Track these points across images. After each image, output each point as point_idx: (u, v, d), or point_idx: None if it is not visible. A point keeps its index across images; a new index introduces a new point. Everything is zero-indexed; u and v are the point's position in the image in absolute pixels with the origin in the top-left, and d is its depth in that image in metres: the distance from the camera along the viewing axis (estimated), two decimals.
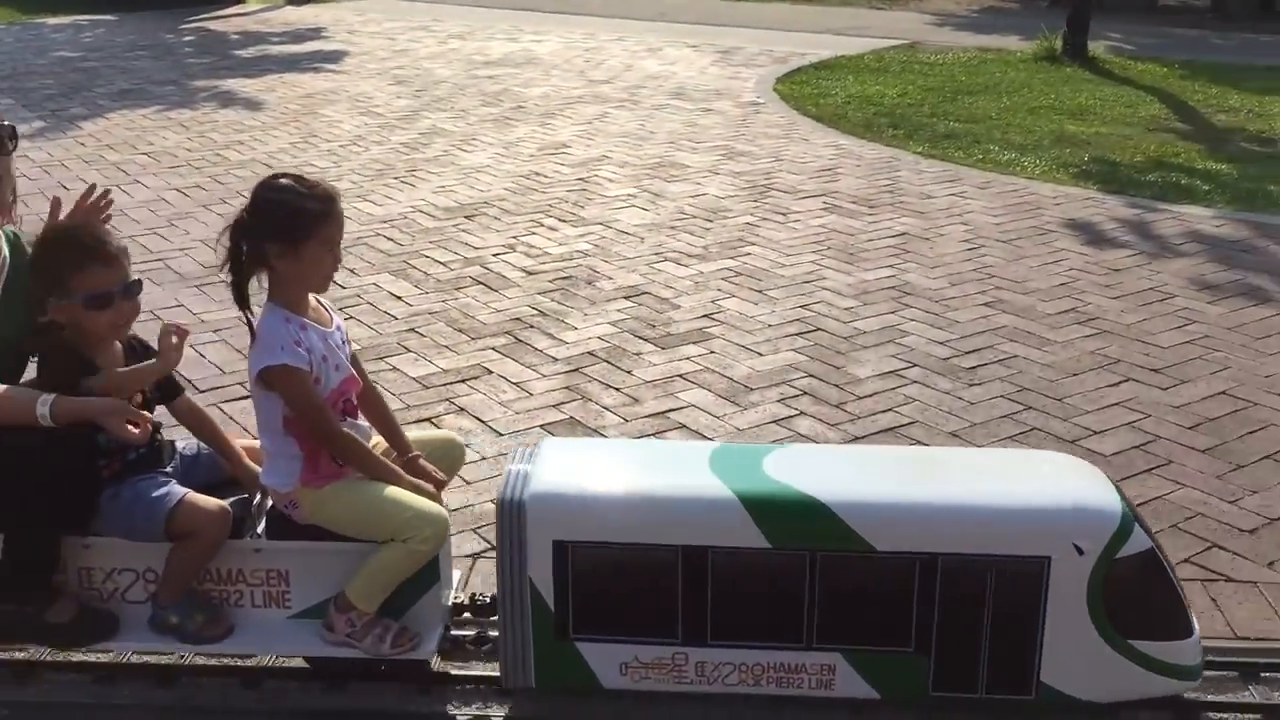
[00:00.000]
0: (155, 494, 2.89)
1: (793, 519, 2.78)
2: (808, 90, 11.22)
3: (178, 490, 2.91)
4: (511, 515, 2.83)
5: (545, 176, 8.05)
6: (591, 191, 7.70)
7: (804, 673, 2.88)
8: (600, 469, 2.97)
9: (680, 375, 4.89)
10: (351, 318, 5.39)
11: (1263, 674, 3.09)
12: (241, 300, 2.88)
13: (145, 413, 2.83)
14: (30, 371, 3.00)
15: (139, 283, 2.92)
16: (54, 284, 2.84)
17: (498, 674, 3.01)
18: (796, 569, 2.79)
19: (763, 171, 8.22)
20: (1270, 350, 5.19)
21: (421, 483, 2.99)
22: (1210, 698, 3.00)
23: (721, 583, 2.81)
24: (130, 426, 2.74)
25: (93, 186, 3.12)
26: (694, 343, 5.23)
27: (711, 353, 5.12)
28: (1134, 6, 17.42)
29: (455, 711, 3.01)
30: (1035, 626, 2.80)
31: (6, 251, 2.98)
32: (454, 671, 3.10)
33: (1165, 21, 16.50)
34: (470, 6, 16.72)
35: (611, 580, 2.85)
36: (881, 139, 9.33)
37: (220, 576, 3.03)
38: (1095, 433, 4.39)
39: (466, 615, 3.25)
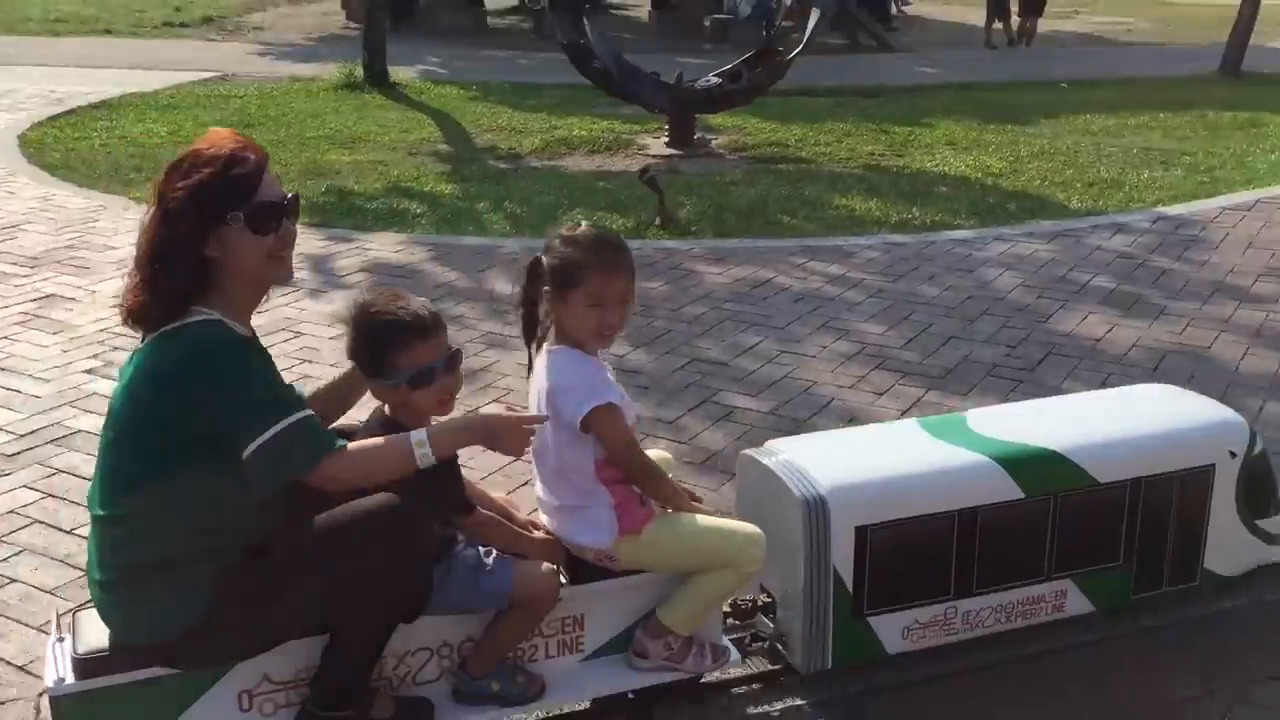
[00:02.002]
0: (491, 561, 2.79)
1: (1039, 469, 3.23)
2: (65, 134, 10.58)
3: (505, 556, 2.82)
4: (815, 509, 3.04)
5: None
6: None
7: (1043, 601, 3.34)
8: (861, 457, 3.24)
9: None
10: None
11: None
12: (530, 339, 2.87)
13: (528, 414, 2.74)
14: None
15: (459, 352, 2.79)
16: (375, 366, 2.67)
17: (775, 666, 3.20)
18: (1042, 512, 3.25)
19: None
20: None
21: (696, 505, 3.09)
22: None
23: (986, 537, 3.20)
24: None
25: None
26: None
27: None
28: (464, 29, 18.86)
29: (755, 709, 3.14)
30: (1202, 523, 3.45)
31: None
32: (735, 674, 3.22)
33: (490, 44, 17.97)
34: None
35: (897, 554, 3.14)
36: (114, 185, 8.73)
37: None
38: None
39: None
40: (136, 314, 2.50)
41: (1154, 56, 17.39)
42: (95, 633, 2.62)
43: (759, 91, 10.84)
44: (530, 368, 2.96)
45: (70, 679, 2.57)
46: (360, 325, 2.69)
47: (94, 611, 2.68)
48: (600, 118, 11.73)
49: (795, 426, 2.83)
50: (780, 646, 3.25)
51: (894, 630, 3.20)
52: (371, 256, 7.08)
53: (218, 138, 2.52)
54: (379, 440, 2.59)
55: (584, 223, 2.88)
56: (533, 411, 2.96)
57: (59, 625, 2.73)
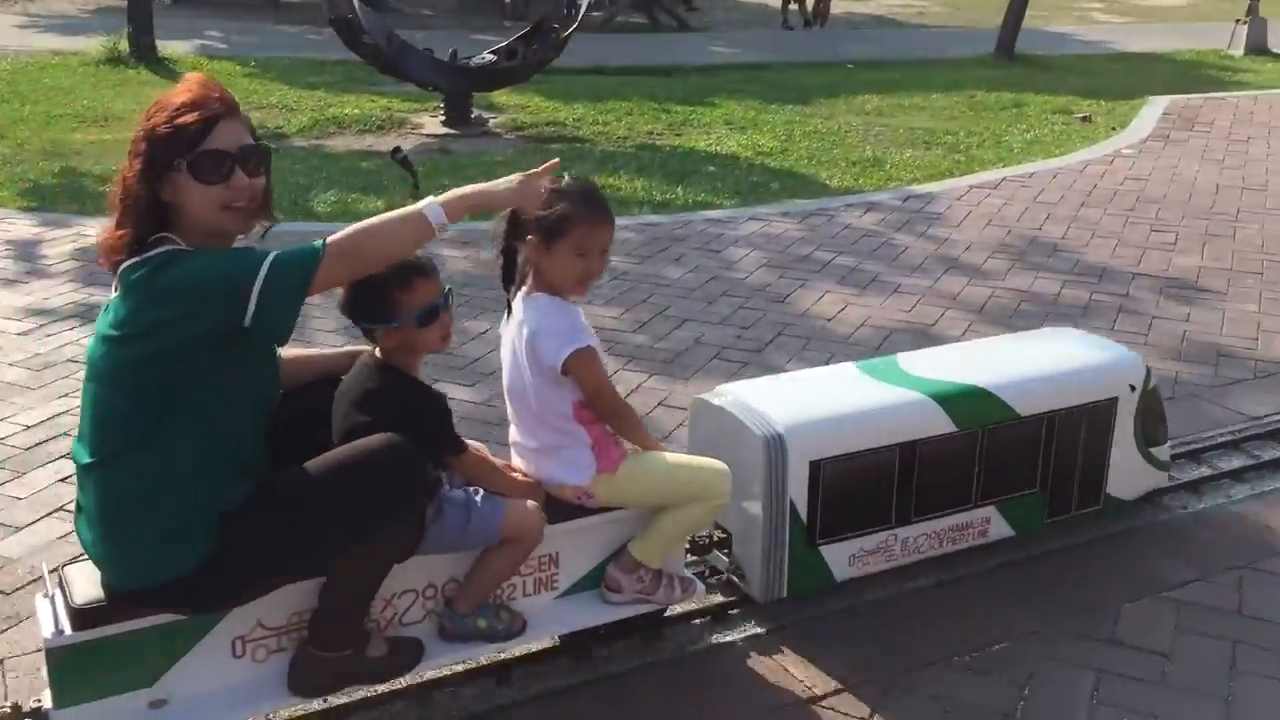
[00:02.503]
0: (480, 500, 2.87)
1: (969, 405, 3.49)
2: None
3: (493, 496, 2.91)
4: (774, 446, 3.23)
5: None
6: None
7: (970, 528, 3.61)
8: (809, 397, 3.44)
9: None
10: None
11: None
12: (509, 284, 2.96)
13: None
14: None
15: (451, 290, 2.86)
16: (383, 309, 2.72)
17: (732, 598, 3.39)
18: (972, 444, 3.51)
19: None
20: None
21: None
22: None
23: (923, 468, 3.44)
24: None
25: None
26: None
27: None
28: (255, 3, 18.33)
29: (720, 639, 3.31)
30: (1106, 452, 3.78)
31: None
32: (694, 606, 3.38)
33: (285, 18, 17.52)
34: None
35: (846, 486, 3.36)
36: None
37: None
38: None
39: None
40: (107, 249, 2.51)
41: (939, 38, 17.76)
42: (88, 585, 2.61)
43: (537, 68, 10.66)
44: (509, 312, 3.04)
45: (68, 630, 2.56)
46: (365, 276, 2.73)
47: (83, 565, 2.67)
48: (380, 95, 11.36)
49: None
50: (737, 579, 3.43)
51: (842, 558, 3.42)
52: (88, 242, 6.42)
53: (188, 84, 2.54)
54: (382, 216, 2.58)
55: (567, 174, 2.97)
56: (506, 359, 3.06)
57: (47, 581, 2.70)
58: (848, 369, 3.69)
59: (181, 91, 2.49)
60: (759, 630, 3.35)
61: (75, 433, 2.62)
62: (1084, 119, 11.15)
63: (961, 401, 3.48)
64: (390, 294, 2.73)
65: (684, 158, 9.36)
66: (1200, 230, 7.45)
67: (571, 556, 3.15)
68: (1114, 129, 10.76)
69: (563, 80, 12.18)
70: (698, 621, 3.38)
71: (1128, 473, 3.85)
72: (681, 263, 6.63)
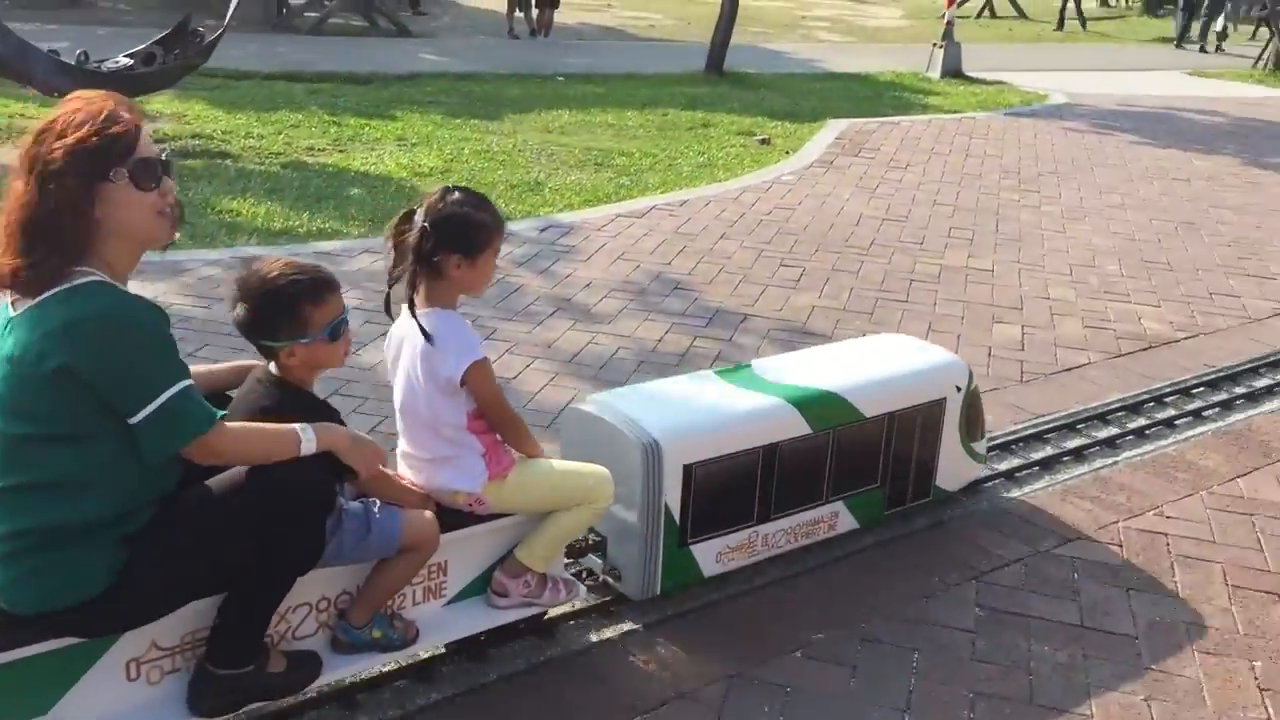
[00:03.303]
0: (377, 512, 2.90)
1: (822, 408, 3.74)
2: None
3: (390, 507, 2.94)
4: (651, 451, 3.38)
5: None
6: None
7: (821, 522, 3.87)
8: (678, 404, 3.61)
9: None
10: None
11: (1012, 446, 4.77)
12: (411, 305, 2.99)
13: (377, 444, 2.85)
14: None
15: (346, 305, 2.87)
16: (295, 324, 2.71)
17: (608, 598, 3.53)
18: (824, 444, 3.76)
19: None
20: None
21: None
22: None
23: (782, 468, 3.67)
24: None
25: None
26: None
27: None
28: None
29: (599, 637, 3.44)
30: (935, 448, 4.11)
31: None
32: (577, 607, 3.50)
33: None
34: None
35: (714, 488, 3.54)
36: None
37: None
38: None
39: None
40: (11, 281, 2.42)
41: (661, 53, 17.24)
42: None
43: (181, 74, 9.92)
44: (396, 325, 3.08)
45: None
46: (272, 290, 2.73)
47: None
48: (6, 99, 10.08)
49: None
50: (612, 580, 3.57)
51: (710, 555, 3.61)
52: None
53: (90, 98, 2.49)
54: (264, 425, 2.66)
55: (455, 189, 3.04)
56: (397, 374, 3.10)
57: None
58: (707, 376, 3.89)
59: (89, 104, 2.43)
60: (634, 626, 3.49)
61: None
62: (763, 142, 10.83)
63: (815, 405, 3.72)
64: (302, 309, 2.74)
65: (331, 178, 8.57)
66: (829, 265, 7.14)
67: (460, 564, 3.22)
68: (787, 153, 10.48)
69: (248, 87, 11.65)
70: (573, 623, 3.50)
71: (953, 466, 4.20)
72: None
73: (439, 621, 3.20)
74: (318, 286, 2.77)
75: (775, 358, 4.13)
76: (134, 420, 2.40)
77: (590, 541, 3.60)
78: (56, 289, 2.39)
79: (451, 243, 2.97)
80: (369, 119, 10.77)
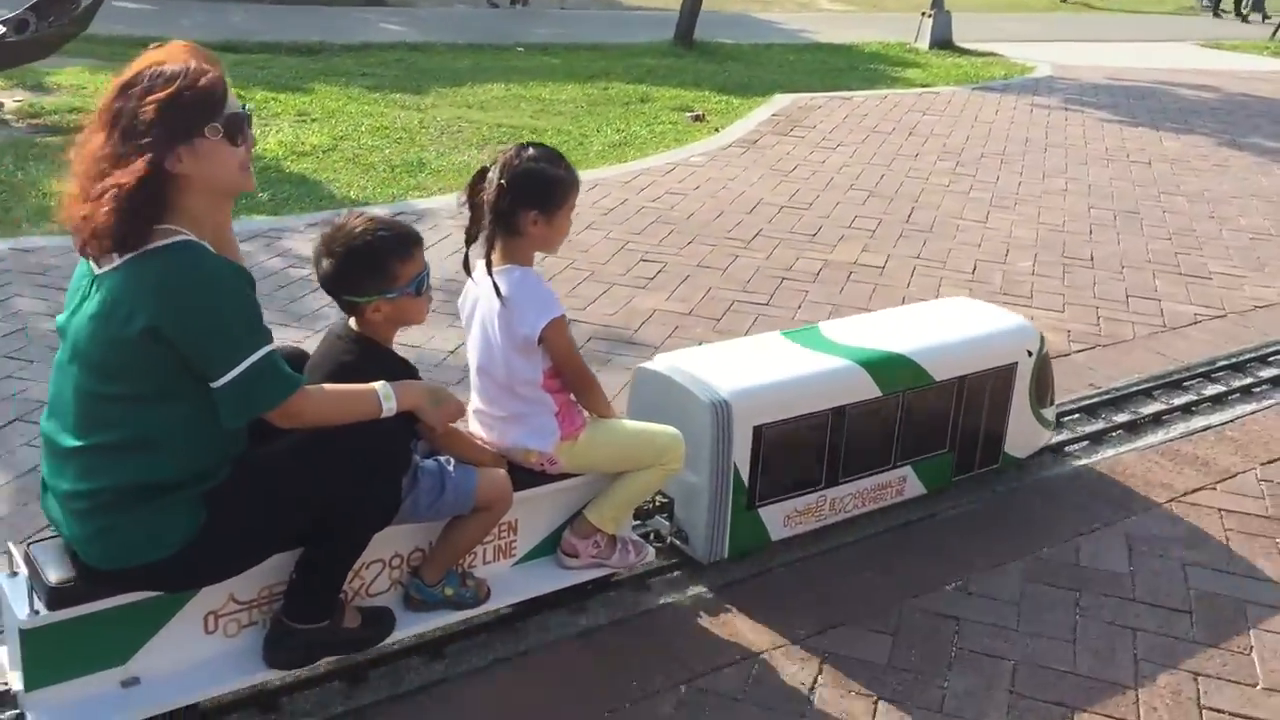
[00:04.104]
0: (452, 469, 2.89)
1: (892, 370, 3.68)
2: None
3: (465, 465, 2.93)
4: (721, 411, 3.35)
5: None
6: None
7: (889, 487, 3.82)
8: (748, 365, 3.56)
9: None
10: None
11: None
12: (488, 263, 2.97)
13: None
14: None
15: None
16: (382, 279, 2.71)
17: (674, 560, 3.51)
18: (893, 407, 3.71)
19: None
20: None
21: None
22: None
23: (851, 431, 3.63)
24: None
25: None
26: None
27: None
28: None
29: (667, 600, 3.42)
30: (1005, 413, 4.04)
31: None
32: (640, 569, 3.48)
33: None
34: None
35: (783, 450, 3.51)
36: None
37: None
38: None
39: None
40: (101, 237, 2.38)
41: (642, 22, 16.31)
42: (58, 563, 2.53)
43: (59, 42, 9.23)
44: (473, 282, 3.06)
45: (44, 611, 2.48)
46: (358, 245, 2.72)
47: (49, 543, 2.58)
48: None
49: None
50: (680, 542, 3.54)
51: (778, 519, 3.58)
52: None
53: (176, 50, 2.47)
54: (345, 387, 2.65)
55: (530, 145, 3.01)
56: (473, 330, 3.08)
57: (16, 558, 2.59)
58: (774, 338, 3.84)
59: (171, 56, 2.41)
60: (703, 589, 3.47)
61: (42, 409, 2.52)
62: (696, 118, 10.03)
63: (884, 367, 3.67)
64: (390, 264, 2.73)
65: None
66: (695, 261, 6.37)
67: (530, 523, 3.21)
68: (717, 129, 9.77)
69: None
70: (641, 585, 3.48)
71: (1023, 433, 4.13)
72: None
73: (509, 581, 3.19)
74: (404, 241, 2.76)
75: (844, 319, 4.07)
76: (217, 384, 2.39)
77: (658, 503, 3.58)
78: (144, 249, 2.38)
79: (528, 199, 2.94)
80: (279, 92, 10.00)
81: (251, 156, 2.54)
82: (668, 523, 3.57)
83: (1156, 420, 4.71)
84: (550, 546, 3.26)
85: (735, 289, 6.02)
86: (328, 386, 2.61)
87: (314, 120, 9.27)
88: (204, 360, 2.37)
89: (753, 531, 3.53)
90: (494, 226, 2.95)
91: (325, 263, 2.76)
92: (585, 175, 7.39)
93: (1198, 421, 4.75)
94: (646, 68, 12.54)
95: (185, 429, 2.44)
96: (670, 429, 3.25)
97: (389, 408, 2.61)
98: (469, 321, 3.12)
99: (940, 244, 7.02)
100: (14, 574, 2.59)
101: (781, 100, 11.13)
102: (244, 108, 2.51)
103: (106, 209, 2.34)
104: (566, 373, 3.08)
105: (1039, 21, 20.33)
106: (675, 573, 3.53)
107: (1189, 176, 9.12)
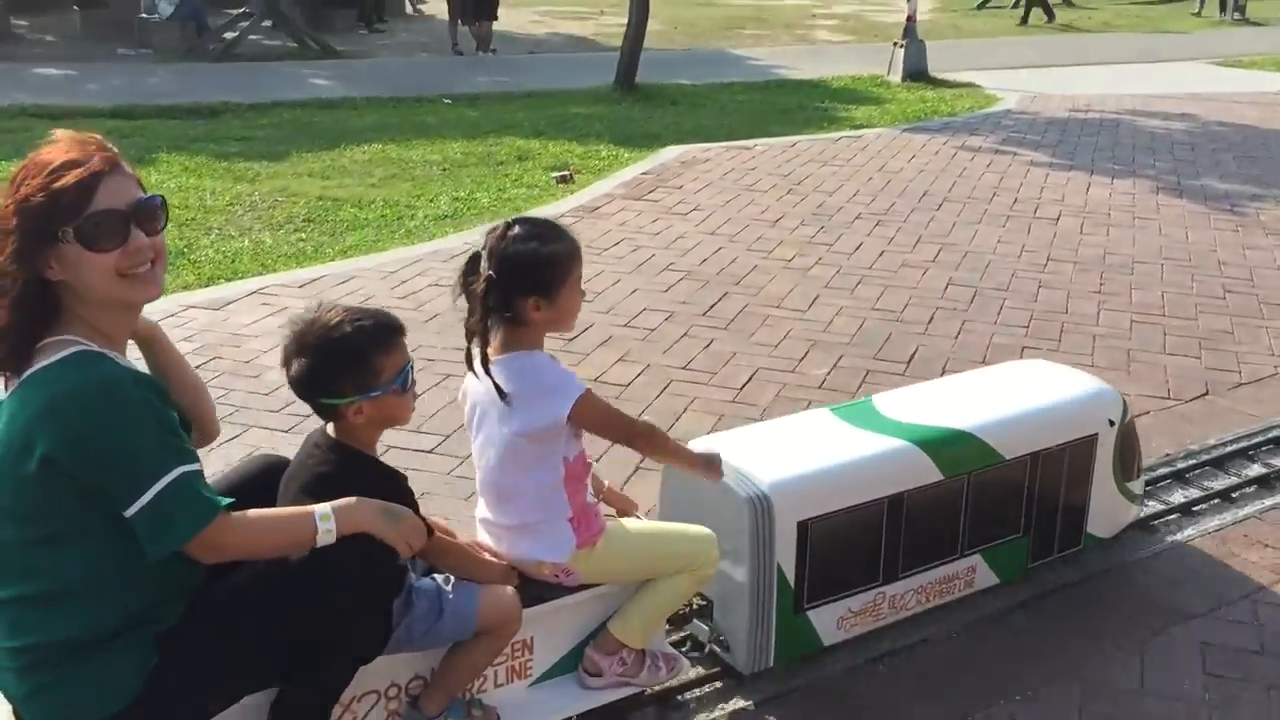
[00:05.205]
0: (452, 591, 2.57)
1: (954, 450, 3.29)
2: None
3: (465, 583, 2.60)
4: (760, 507, 2.99)
5: None
6: None
7: (957, 579, 3.42)
8: (790, 451, 3.20)
9: None
10: None
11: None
12: (484, 362, 2.64)
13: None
14: None
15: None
16: (362, 376, 2.41)
17: (714, 669, 3.14)
18: (958, 491, 3.32)
19: None
20: None
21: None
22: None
23: (910, 520, 3.24)
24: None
25: None
26: None
27: None
28: None
29: (702, 716, 3.05)
30: (1086, 489, 3.62)
31: None
32: (674, 682, 3.11)
33: None
34: None
35: (833, 545, 3.13)
36: None
37: None
38: None
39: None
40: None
41: (598, 66, 14.44)
42: None
43: None
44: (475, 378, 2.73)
45: None
46: (336, 340, 2.41)
47: None
48: None
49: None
50: (720, 650, 3.17)
51: (830, 621, 3.19)
52: None
53: (60, 144, 2.17)
54: (276, 512, 2.34)
55: (517, 221, 2.70)
56: (479, 430, 2.76)
57: None
58: (822, 415, 3.47)
59: (52, 151, 2.13)
60: (745, 704, 3.09)
61: None
62: (562, 179, 8.85)
63: (946, 447, 3.28)
64: (371, 358, 2.42)
65: None
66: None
67: (547, 640, 2.87)
68: (572, 191, 8.58)
69: (65, 126, 10.25)
70: (677, 699, 3.11)
71: (1107, 509, 3.70)
72: None
73: (525, 704, 2.85)
74: (385, 331, 2.45)
75: (900, 390, 3.68)
76: (128, 514, 2.08)
77: (695, 605, 3.22)
78: (40, 364, 2.11)
79: (523, 287, 2.62)
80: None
81: (146, 259, 2.18)
82: (706, 627, 3.21)
83: None
84: (571, 664, 2.91)
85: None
86: (253, 513, 2.25)
87: None
88: (108, 489, 2.07)
89: (802, 637, 3.15)
90: (486, 321, 2.62)
91: (296, 363, 2.45)
92: (363, 261, 6.87)
93: None
94: (559, 118, 11.43)
95: (114, 569, 2.14)
96: (701, 530, 2.90)
97: (325, 531, 2.26)
98: (471, 425, 2.79)
99: (727, 346, 5.50)
100: None
101: (666, 154, 9.72)
102: (132, 203, 2.18)
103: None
104: (618, 433, 2.81)
105: (1039, 47, 19.02)
106: (716, 684, 3.16)
107: (1096, 235, 7.56)
